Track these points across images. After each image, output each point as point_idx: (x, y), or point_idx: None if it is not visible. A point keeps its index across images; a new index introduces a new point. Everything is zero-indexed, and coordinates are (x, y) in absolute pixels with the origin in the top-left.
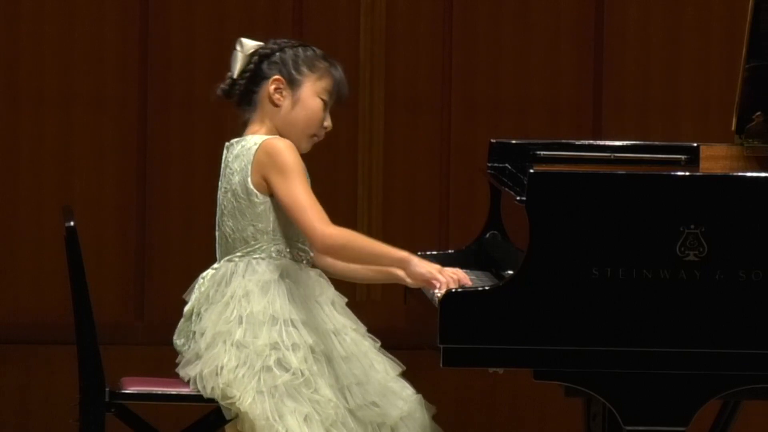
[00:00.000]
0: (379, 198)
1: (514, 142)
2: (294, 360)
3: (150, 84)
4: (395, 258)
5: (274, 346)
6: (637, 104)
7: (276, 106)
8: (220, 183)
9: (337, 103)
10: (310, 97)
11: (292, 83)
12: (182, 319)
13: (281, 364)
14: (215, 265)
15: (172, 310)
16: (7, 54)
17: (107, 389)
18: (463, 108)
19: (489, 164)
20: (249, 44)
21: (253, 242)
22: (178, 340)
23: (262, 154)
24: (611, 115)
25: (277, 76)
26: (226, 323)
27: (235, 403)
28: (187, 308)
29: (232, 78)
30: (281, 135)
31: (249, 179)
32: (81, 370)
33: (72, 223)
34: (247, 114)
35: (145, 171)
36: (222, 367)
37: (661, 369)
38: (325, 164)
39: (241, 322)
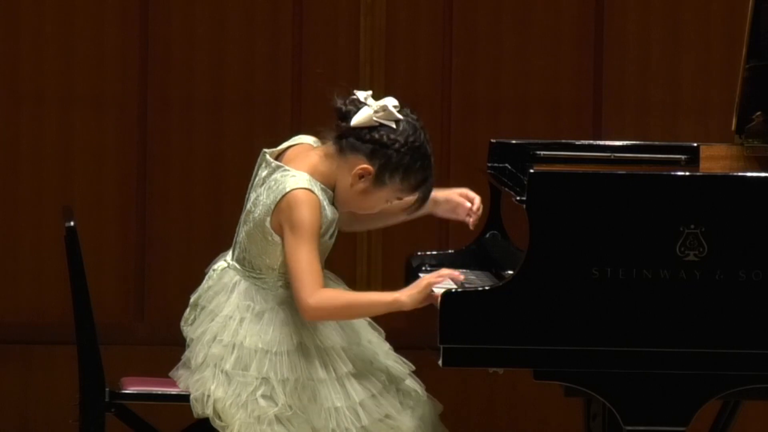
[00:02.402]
0: None
1: (514, 142)
2: (282, 395)
3: (150, 84)
4: (386, 303)
5: (264, 379)
6: (637, 104)
7: (349, 183)
8: (249, 187)
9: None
10: (381, 199)
11: (377, 181)
12: (188, 308)
13: (271, 397)
14: (228, 259)
15: (172, 310)
16: (7, 54)
17: (107, 389)
18: (463, 108)
19: (489, 164)
20: (389, 113)
21: (259, 272)
22: (185, 327)
23: (285, 204)
24: (611, 115)
25: (368, 167)
26: (219, 346)
27: (223, 431)
28: (193, 299)
29: (347, 124)
30: (333, 192)
31: (269, 219)
32: (81, 370)
33: (72, 223)
34: (328, 140)
35: (145, 171)
36: (209, 396)
37: (661, 369)
38: None
39: (233, 350)
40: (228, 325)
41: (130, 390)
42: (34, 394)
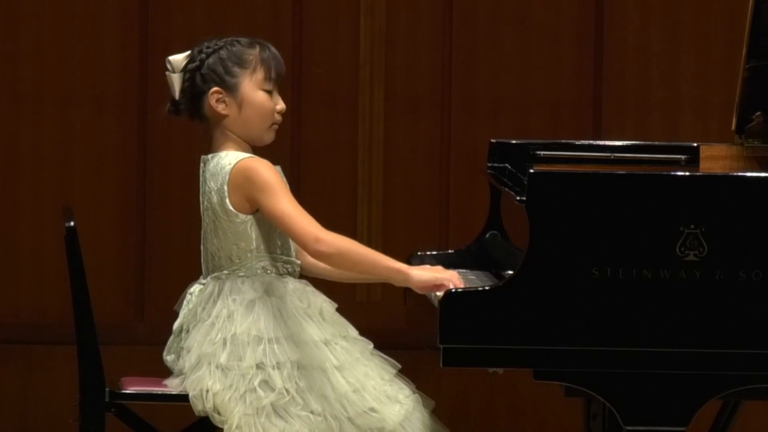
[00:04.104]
0: (379, 198)
1: (514, 142)
2: (279, 380)
3: (150, 84)
4: (392, 268)
5: (260, 367)
6: (637, 104)
7: (224, 116)
8: (201, 199)
9: (278, 81)
10: (252, 93)
11: (230, 89)
12: (171, 336)
13: (267, 384)
14: (202, 281)
15: (172, 310)
16: (7, 53)
17: (107, 389)
18: (463, 108)
19: (489, 164)
20: (178, 61)
21: (237, 261)
22: (168, 357)
23: (239, 177)
24: (611, 114)
25: (214, 89)
26: (211, 345)
27: (223, 426)
28: (176, 325)
29: (174, 99)
30: (243, 139)
31: (227, 200)
32: (81, 370)
33: (72, 223)
34: (205, 126)
35: (145, 171)
36: (207, 391)
37: (661, 369)
38: (325, 164)
39: (225, 345)
40: (216, 324)
41: (130, 390)
42: (34, 394)
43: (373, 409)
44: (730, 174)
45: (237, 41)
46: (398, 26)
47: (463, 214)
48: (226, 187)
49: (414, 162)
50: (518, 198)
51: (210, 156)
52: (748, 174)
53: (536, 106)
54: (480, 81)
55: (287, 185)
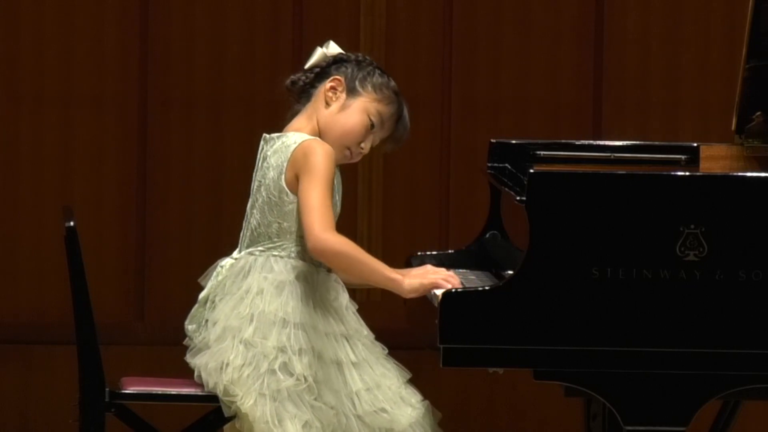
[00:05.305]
0: (379, 198)
1: (514, 142)
2: (299, 366)
3: (150, 84)
4: (388, 278)
5: (282, 350)
6: (637, 104)
7: (326, 104)
8: (254, 175)
9: (389, 139)
10: (359, 110)
11: (350, 91)
12: (196, 305)
13: (286, 368)
14: (235, 255)
15: (172, 310)
16: (7, 53)
17: (107, 389)
18: (463, 108)
19: (489, 164)
20: (334, 48)
21: (276, 239)
22: (189, 326)
23: (300, 153)
24: (611, 114)
25: (338, 77)
26: (238, 318)
27: (236, 402)
28: (202, 295)
29: (303, 69)
30: (320, 135)
31: (283, 177)
32: (81, 370)
33: (72, 223)
34: (299, 106)
35: (145, 171)
36: (227, 364)
37: (661, 369)
38: None
39: (252, 320)
40: (245, 298)
41: (130, 390)
42: (34, 394)
43: (383, 410)
44: (730, 174)
45: (390, 80)
46: (398, 26)
47: (463, 214)
48: (285, 164)
49: (414, 162)
50: (518, 198)
51: (276, 135)
52: (748, 174)
53: (536, 106)
54: (480, 81)
55: (335, 182)
